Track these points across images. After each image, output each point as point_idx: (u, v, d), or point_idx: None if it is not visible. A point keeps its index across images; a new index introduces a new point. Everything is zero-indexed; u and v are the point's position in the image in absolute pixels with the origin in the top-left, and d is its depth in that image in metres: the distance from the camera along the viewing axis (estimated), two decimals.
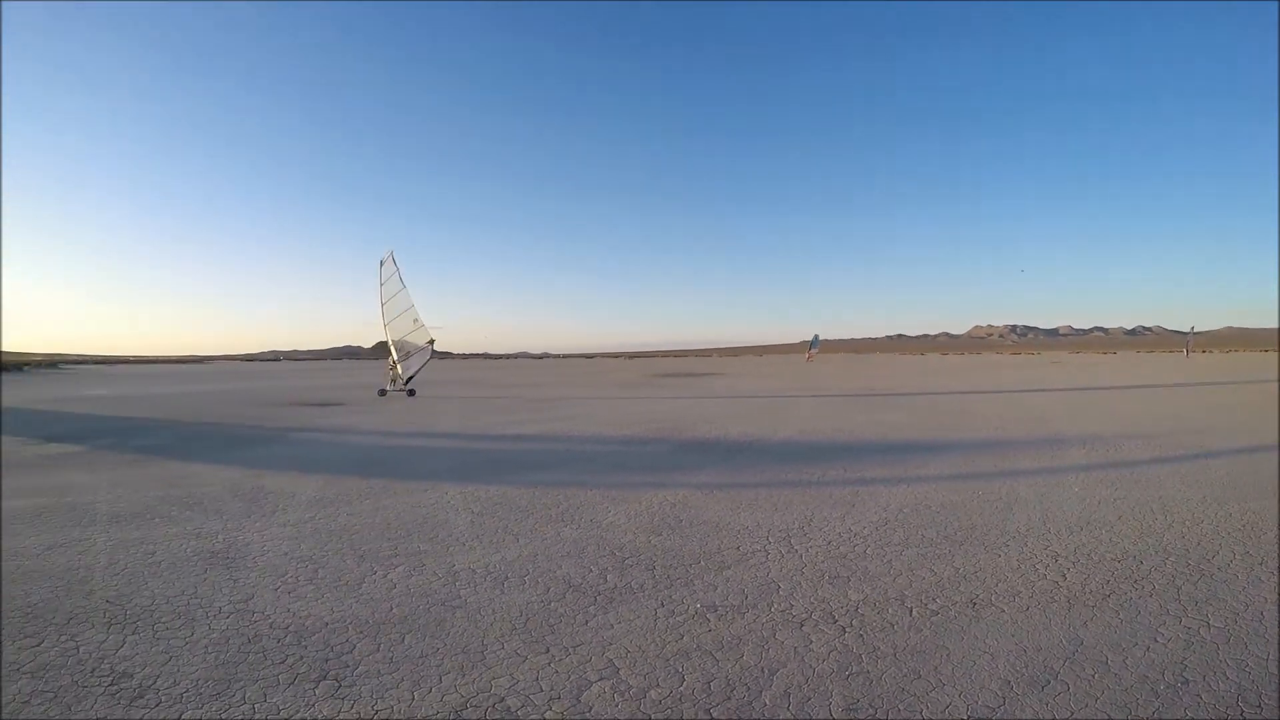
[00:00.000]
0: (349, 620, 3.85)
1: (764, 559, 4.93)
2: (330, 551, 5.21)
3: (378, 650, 3.46)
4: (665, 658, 3.36)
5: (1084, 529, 5.63)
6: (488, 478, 8.31)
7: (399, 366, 24.05)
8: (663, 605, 4.06)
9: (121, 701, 2.99)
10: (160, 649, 3.51)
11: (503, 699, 2.97)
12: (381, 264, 23.72)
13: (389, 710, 2.89)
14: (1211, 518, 5.92)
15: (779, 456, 9.87)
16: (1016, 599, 4.08)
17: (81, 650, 3.51)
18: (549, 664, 3.30)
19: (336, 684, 3.12)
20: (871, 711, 2.84)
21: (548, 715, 2.84)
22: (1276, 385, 24.38)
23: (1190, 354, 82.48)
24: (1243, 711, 2.80)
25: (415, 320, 23.63)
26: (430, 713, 2.87)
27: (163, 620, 3.89)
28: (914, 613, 3.89)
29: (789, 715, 2.83)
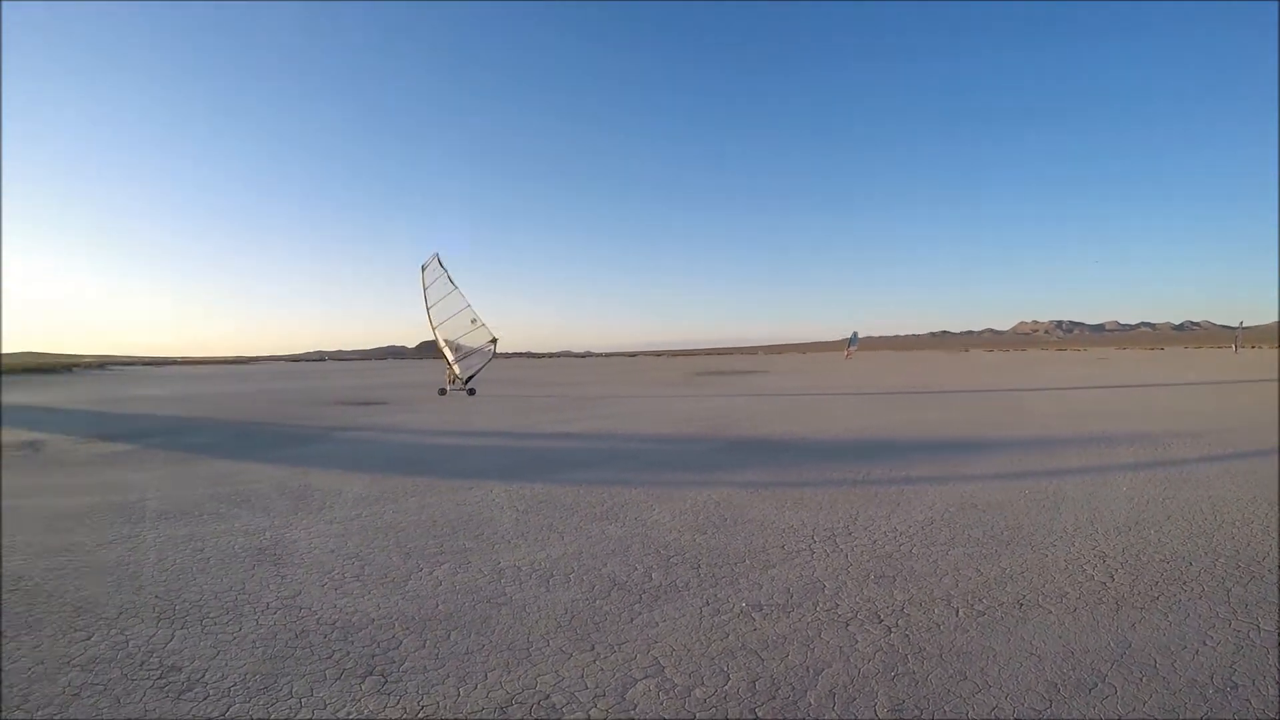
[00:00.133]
0: (395, 616, 3.93)
1: (809, 558, 4.90)
2: (376, 548, 5.33)
3: (423, 646, 3.53)
4: (710, 656, 3.37)
5: (1132, 529, 5.46)
6: (532, 476, 8.39)
7: (456, 366, 24.31)
8: (708, 604, 4.06)
9: (170, 694, 3.09)
10: (208, 643, 3.62)
11: (548, 696, 3.01)
12: (424, 268, 23.94)
13: (434, 706, 2.94)
14: (1262, 518, 5.69)
15: (823, 455, 9.76)
16: (1064, 600, 3.99)
17: (131, 644, 3.63)
18: (594, 661, 3.33)
19: (383, 679, 3.19)
20: (917, 713, 2.81)
21: (593, 713, 2.87)
22: None
23: (1239, 349, 78.87)
24: None
25: (474, 320, 23.64)
26: (475, 709, 2.91)
27: (211, 615, 4.01)
28: (960, 613, 3.82)
29: (834, 715, 2.81)
